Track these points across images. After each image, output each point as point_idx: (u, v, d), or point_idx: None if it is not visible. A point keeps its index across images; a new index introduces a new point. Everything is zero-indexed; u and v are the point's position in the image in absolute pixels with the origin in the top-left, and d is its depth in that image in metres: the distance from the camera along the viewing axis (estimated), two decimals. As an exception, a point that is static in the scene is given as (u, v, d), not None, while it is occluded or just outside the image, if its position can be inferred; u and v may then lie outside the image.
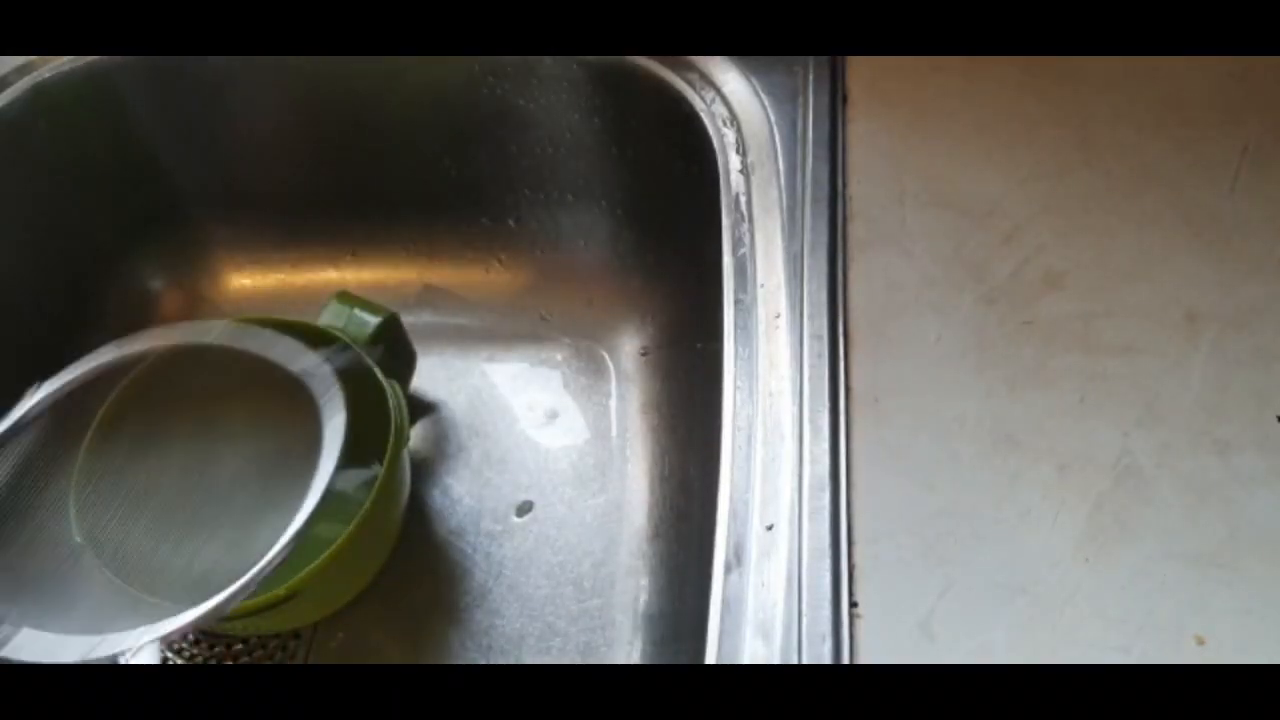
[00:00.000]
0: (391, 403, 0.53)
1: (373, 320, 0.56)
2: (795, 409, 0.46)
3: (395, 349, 0.59)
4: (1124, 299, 0.49)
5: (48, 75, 0.62)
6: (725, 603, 0.43)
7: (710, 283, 0.54)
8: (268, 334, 0.53)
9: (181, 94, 0.65)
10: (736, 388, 0.48)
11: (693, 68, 0.60)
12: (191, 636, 0.60)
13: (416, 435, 0.68)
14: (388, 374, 0.54)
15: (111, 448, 0.54)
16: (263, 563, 0.48)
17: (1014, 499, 0.44)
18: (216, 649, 0.60)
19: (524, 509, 0.65)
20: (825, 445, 0.45)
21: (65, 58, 0.62)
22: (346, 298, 0.61)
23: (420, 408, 0.69)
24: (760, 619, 0.42)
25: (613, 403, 0.68)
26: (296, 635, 0.61)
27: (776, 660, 0.41)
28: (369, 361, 0.54)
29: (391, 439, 0.52)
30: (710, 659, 0.42)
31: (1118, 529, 0.43)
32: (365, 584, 0.60)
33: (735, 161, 0.56)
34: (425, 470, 0.66)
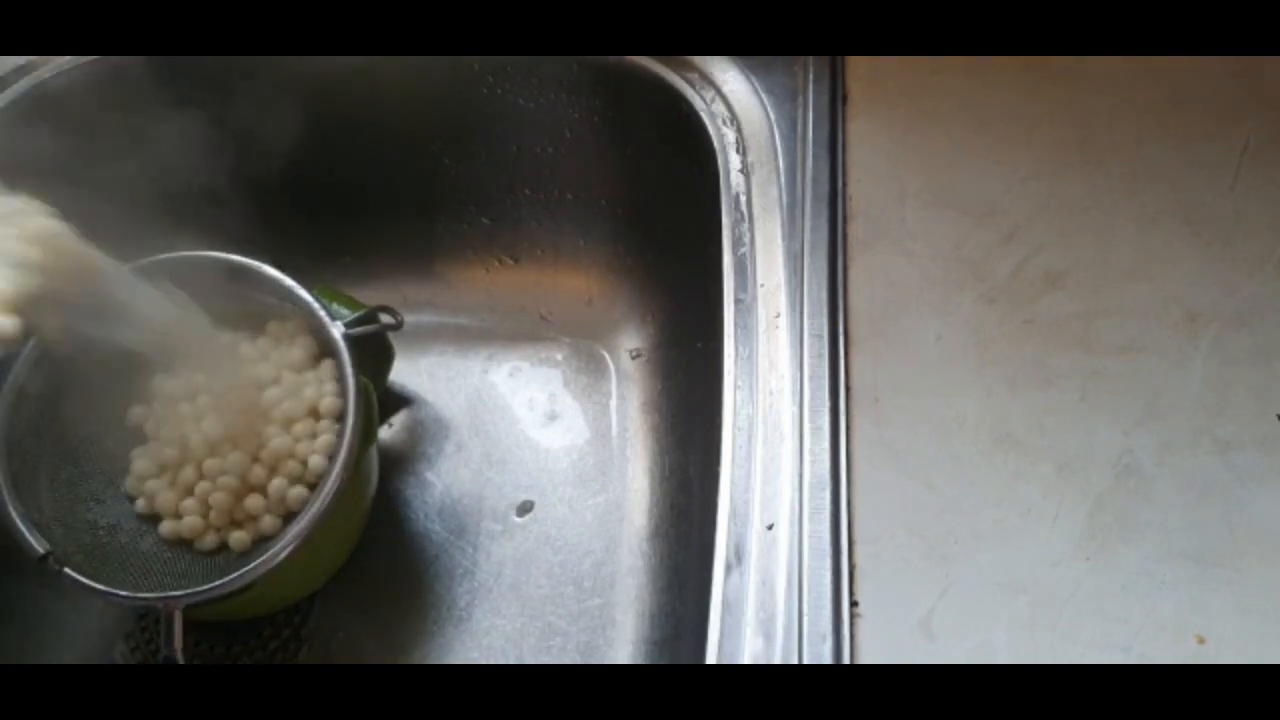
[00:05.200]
0: (354, 398, 0.53)
1: (348, 314, 0.56)
2: (795, 408, 0.46)
3: (370, 345, 0.59)
4: (1124, 298, 0.49)
5: (48, 75, 0.62)
6: (725, 602, 0.43)
7: (710, 282, 0.54)
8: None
9: (181, 94, 0.65)
10: (736, 387, 0.48)
11: (693, 68, 0.60)
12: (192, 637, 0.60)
13: (416, 434, 0.68)
14: (362, 370, 0.54)
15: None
16: (292, 534, 0.50)
17: (1014, 498, 0.44)
18: (216, 649, 0.60)
19: (524, 509, 0.65)
20: (825, 444, 0.45)
21: (65, 58, 0.62)
22: (327, 291, 0.61)
23: (398, 402, 0.69)
24: (760, 618, 0.42)
25: (613, 402, 0.68)
26: (298, 636, 0.61)
27: (777, 660, 0.41)
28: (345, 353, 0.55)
29: (348, 432, 0.53)
30: (710, 659, 0.42)
31: (1118, 528, 0.43)
32: (326, 577, 0.60)
33: (735, 161, 0.56)
34: (425, 470, 0.66)
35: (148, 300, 0.51)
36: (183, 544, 0.53)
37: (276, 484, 0.52)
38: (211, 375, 0.54)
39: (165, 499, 0.53)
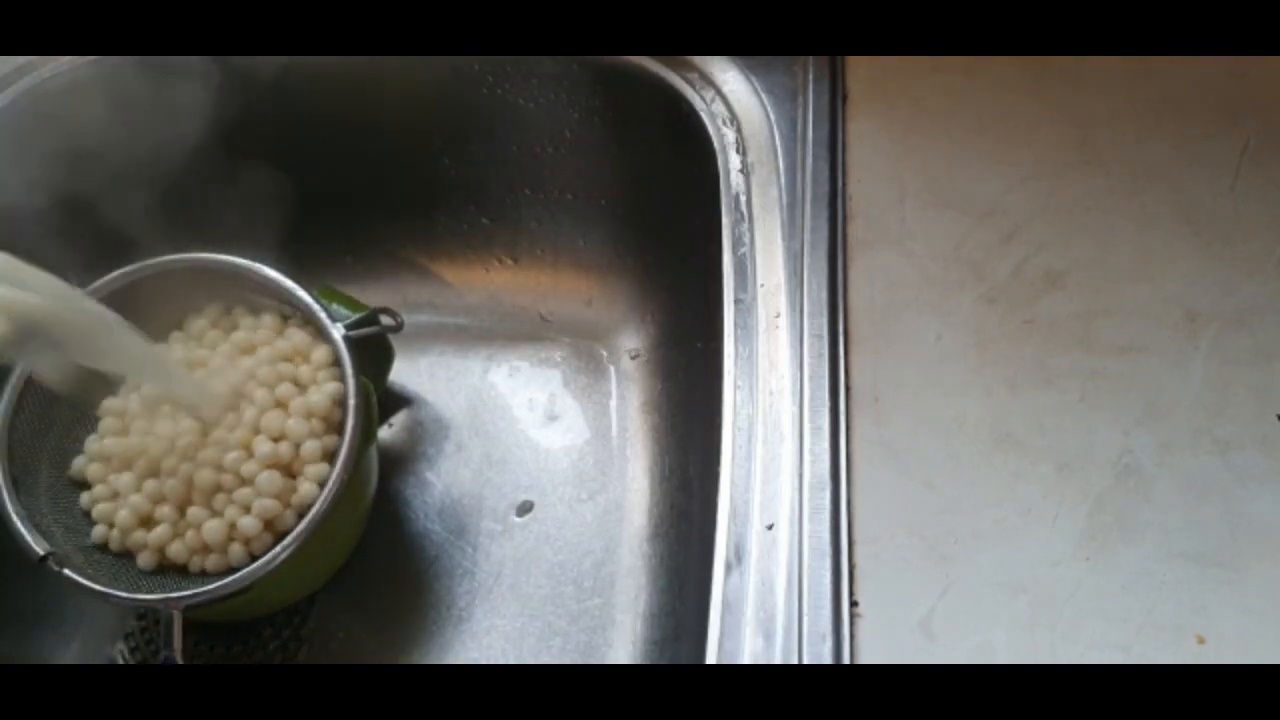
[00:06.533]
0: (354, 399, 0.53)
1: (350, 315, 0.56)
2: (795, 408, 0.46)
3: (371, 346, 0.59)
4: (1124, 298, 0.49)
5: (48, 75, 0.62)
6: (725, 602, 0.43)
7: (710, 282, 0.54)
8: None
9: (181, 94, 0.65)
10: (736, 387, 0.48)
11: (693, 67, 0.60)
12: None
13: (416, 434, 0.68)
14: (362, 370, 0.55)
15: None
16: (293, 535, 0.50)
17: (1014, 498, 0.44)
18: (216, 649, 0.60)
19: (524, 509, 0.65)
20: (825, 444, 0.45)
21: (65, 58, 0.62)
22: (328, 292, 0.61)
23: (398, 402, 0.69)
24: (760, 618, 0.42)
25: (613, 402, 0.68)
26: (298, 636, 0.61)
27: (777, 660, 0.41)
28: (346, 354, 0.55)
29: (348, 432, 0.53)
30: (710, 659, 0.42)
31: (1118, 528, 0.43)
32: (326, 577, 0.60)
33: (735, 161, 0.56)
34: (425, 470, 0.66)
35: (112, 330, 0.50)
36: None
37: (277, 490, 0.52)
38: (198, 386, 0.54)
39: (157, 537, 0.52)
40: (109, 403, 0.55)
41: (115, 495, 0.53)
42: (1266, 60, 0.55)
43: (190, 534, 0.52)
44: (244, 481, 0.52)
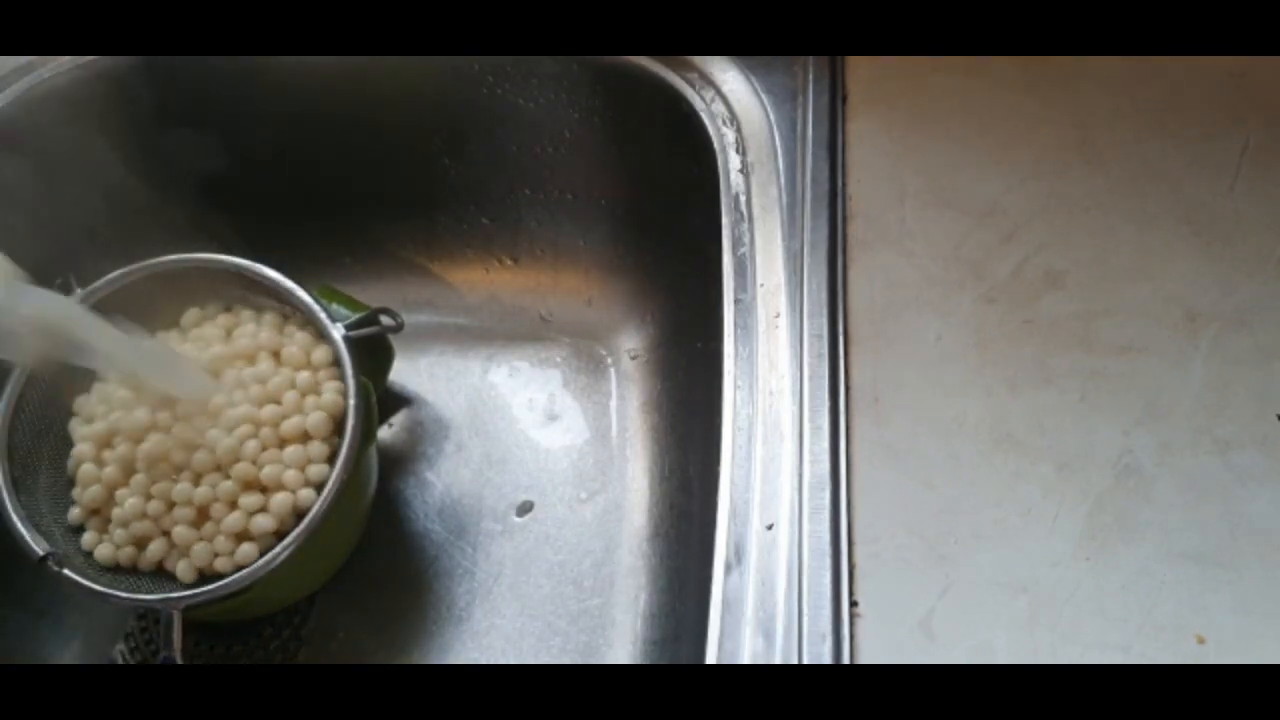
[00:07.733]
0: (354, 398, 0.53)
1: (350, 315, 0.56)
2: (795, 408, 0.46)
3: (371, 346, 0.59)
4: (1124, 298, 0.49)
5: (48, 75, 0.62)
6: (725, 602, 0.43)
7: (710, 282, 0.54)
8: None
9: (181, 95, 0.65)
10: (736, 387, 0.48)
11: (693, 67, 0.60)
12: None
13: (416, 434, 0.68)
14: (362, 370, 0.55)
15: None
16: (293, 535, 0.50)
17: (1014, 498, 0.44)
18: (216, 649, 0.60)
19: (524, 509, 0.65)
20: (825, 444, 0.45)
21: (65, 58, 0.62)
22: (328, 292, 0.62)
23: (398, 402, 0.69)
24: (760, 618, 0.42)
25: (613, 402, 0.68)
26: (298, 636, 0.61)
27: (777, 660, 0.41)
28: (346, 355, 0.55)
29: (348, 433, 0.52)
30: (710, 659, 0.42)
31: (1118, 528, 0.43)
32: (326, 577, 0.60)
33: (735, 161, 0.56)
34: (425, 470, 0.66)
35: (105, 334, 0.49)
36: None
37: (279, 499, 0.52)
38: (188, 396, 0.53)
39: (154, 550, 0.52)
40: (81, 401, 0.54)
41: (102, 510, 0.52)
42: (1266, 60, 0.55)
43: (176, 553, 0.51)
44: (243, 484, 0.51)
